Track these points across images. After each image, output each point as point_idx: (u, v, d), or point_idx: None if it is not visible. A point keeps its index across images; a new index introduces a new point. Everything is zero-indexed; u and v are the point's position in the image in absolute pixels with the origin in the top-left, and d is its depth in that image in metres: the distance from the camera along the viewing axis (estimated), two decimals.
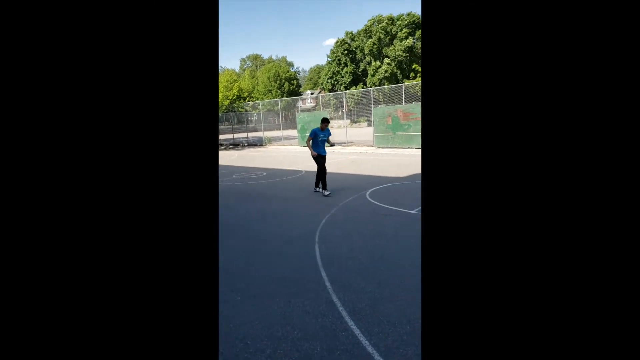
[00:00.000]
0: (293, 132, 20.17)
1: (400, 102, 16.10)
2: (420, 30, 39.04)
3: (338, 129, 22.22)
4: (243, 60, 71.32)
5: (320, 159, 6.25)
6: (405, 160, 10.16)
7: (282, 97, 39.93)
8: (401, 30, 39.05)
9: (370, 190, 6.37)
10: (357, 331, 2.18)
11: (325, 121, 6.32)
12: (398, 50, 38.05)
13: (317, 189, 6.45)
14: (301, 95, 51.23)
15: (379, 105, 18.47)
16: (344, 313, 2.39)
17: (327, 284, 2.84)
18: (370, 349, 2.01)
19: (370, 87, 35.32)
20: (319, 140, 6.25)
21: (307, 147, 6.64)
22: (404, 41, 38.25)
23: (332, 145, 6.99)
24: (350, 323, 2.27)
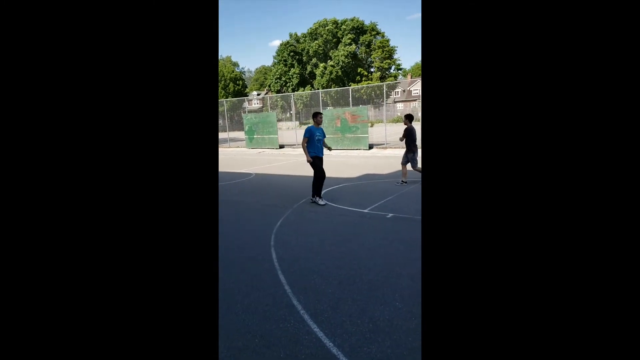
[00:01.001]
0: (240, 134, 19.65)
1: (347, 104, 16.47)
2: (364, 36, 40.44)
3: (287, 131, 22.14)
4: None
5: (317, 161, 5.32)
6: (355, 161, 10.40)
7: (227, 97, 38.76)
8: (346, 34, 40.06)
9: (323, 192, 6.40)
10: (320, 334, 2.15)
11: (318, 115, 5.38)
12: (342, 56, 38.98)
13: (314, 199, 5.51)
14: (247, 96, 50.24)
15: (327, 108, 18.74)
16: (305, 316, 2.35)
17: (286, 287, 2.78)
18: (334, 350, 1.99)
19: (318, 89, 35.76)
20: (315, 140, 5.30)
21: (302, 150, 5.50)
22: (347, 47, 39.27)
23: (329, 148, 5.96)
24: (313, 326, 2.24)
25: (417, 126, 6.81)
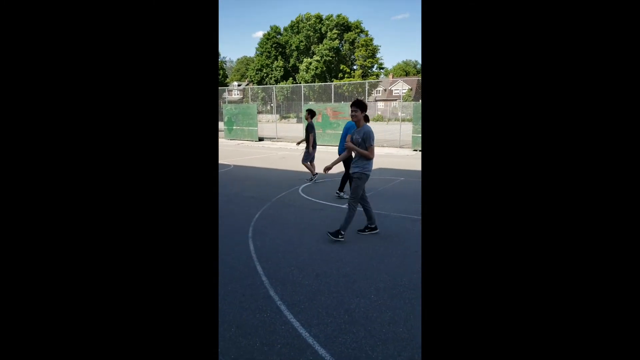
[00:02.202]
0: (219, 124, 19.30)
1: (329, 100, 16.50)
2: (348, 33, 40.50)
3: (267, 124, 21.93)
4: None
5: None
6: (334, 158, 10.45)
7: None
8: (331, 30, 39.98)
9: (302, 186, 6.42)
10: (296, 324, 2.18)
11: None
12: (325, 50, 38.91)
13: (341, 193, 5.52)
14: (228, 86, 49.25)
15: (309, 102, 18.71)
16: (282, 307, 2.38)
17: (264, 278, 2.79)
18: (310, 340, 2.03)
19: (301, 83, 35.55)
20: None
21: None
22: (332, 42, 39.24)
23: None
24: (289, 316, 2.26)
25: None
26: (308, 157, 6.72)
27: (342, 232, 3.61)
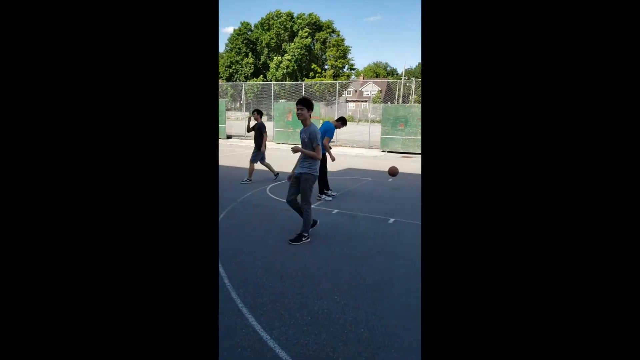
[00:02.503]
0: None
1: None
2: (320, 33, 40.59)
3: (236, 121, 21.51)
4: None
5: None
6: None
7: None
8: (302, 29, 39.88)
9: (270, 186, 6.35)
10: (257, 327, 2.14)
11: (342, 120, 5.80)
12: (296, 48, 38.79)
13: (326, 194, 5.56)
14: None
15: (280, 101, 18.55)
16: (243, 309, 2.33)
17: (226, 280, 2.72)
18: (271, 343, 2.00)
19: (272, 81, 35.17)
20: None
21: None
22: (303, 39, 39.17)
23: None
24: (251, 319, 2.22)
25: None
26: (257, 157, 6.61)
27: (305, 234, 3.60)
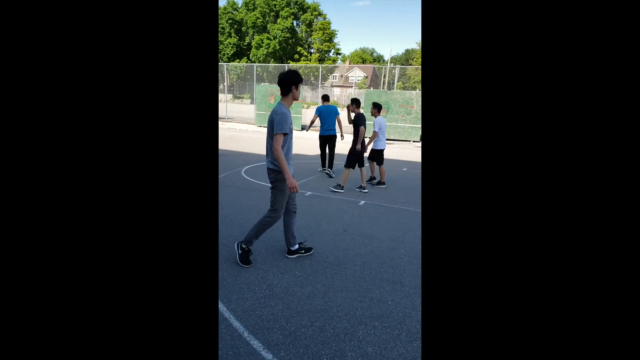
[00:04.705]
0: None
1: None
2: (305, 15, 39.79)
3: (220, 104, 21.10)
4: None
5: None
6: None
7: None
8: (282, 9, 38.99)
9: (246, 167, 6.34)
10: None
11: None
12: (278, 30, 38.01)
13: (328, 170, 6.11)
14: None
15: (263, 83, 18.27)
16: None
17: None
18: (227, 314, 2.05)
19: (255, 62, 34.48)
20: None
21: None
22: (285, 20, 38.35)
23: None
24: None
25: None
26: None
27: (249, 245, 2.74)
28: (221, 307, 2.12)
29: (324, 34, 39.77)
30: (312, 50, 41.22)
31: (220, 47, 41.46)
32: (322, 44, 40.05)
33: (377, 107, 5.27)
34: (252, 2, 40.55)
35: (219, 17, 41.33)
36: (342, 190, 4.96)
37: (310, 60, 38.90)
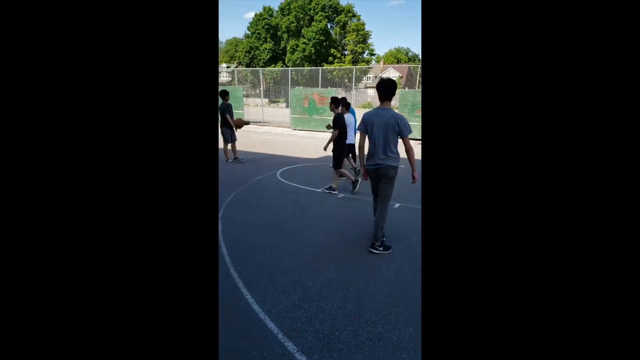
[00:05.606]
0: None
1: (317, 85, 16.38)
2: (339, 17, 39.87)
3: (255, 108, 21.68)
4: None
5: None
6: (319, 143, 10.46)
7: None
8: (317, 13, 39.31)
9: (281, 170, 6.45)
10: (251, 300, 2.25)
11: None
12: (313, 32, 38.35)
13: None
14: None
15: (297, 87, 18.55)
16: (240, 285, 2.44)
17: (227, 258, 2.85)
18: (262, 315, 2.10)
19: (289, 66, 35.08)
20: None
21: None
22: (319, 23, 38.64)
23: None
24: (246, 294, 2.33)
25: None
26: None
27: (380, 238, 3.07)
28: (256, 308, 2.17)
29: (357, 35, 39.63)
30: (345, 52, 41.19)
31: (256, 52, 42.60)
32: (356, 46, 39.91)
33: (345, 105, 5.32)
34: (287, 7, 41.29)
35: (255, 23, 42.54)
36: (336, 192, 4.96)
37: (344, 62, 38.89)
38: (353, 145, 5.59)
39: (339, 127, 4.83)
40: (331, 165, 5.10)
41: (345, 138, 4.97)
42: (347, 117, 5.30)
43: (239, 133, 7.82)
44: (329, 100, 5.16)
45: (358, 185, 5.06)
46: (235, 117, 6.89)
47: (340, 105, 5.09)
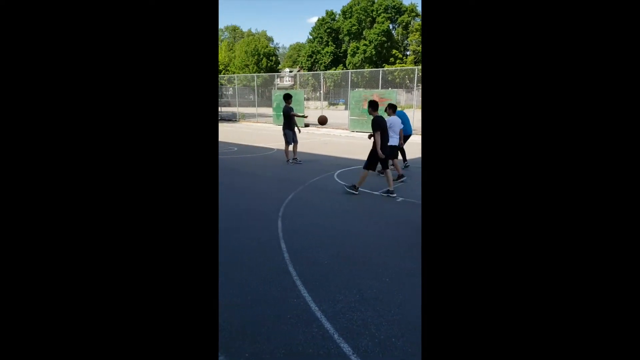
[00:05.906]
0: (268, 110, 19.81)
1: (377, 86, 16.19)
2: (401, 17, 38.98)
3: (315, 111, 22.09)
4: (221, 30, 68.36)
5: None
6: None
7: (259, 72, 38.88)
8: (379, 15, 38.80)
9: (338, 172, 6.48)
10: (308, 298, 2.29)
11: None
12: (374, 34, 37.92)
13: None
14: (279, 72, 50.13)
15: (357, 89, 18.51)
16: (297, 282, 2.50)
17: (286, 255, 2.93)
18: (318, 314, 2.13)
19: (350, 68, 35.14)
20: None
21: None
22: (381, 25, 38.11)
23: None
24: (303, 291, 2.38)
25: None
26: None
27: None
28: (313, 307, 2.20)
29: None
30: (407, 53, 40.17)
31: (318, 56, 43.37)
32: (418, 46, 38.68)
33: (392, 108, 5.64)
34: (350, 9, 41.46)
35: (318, 28, 43.36)
36: (357, 193, 4.91)
37: (405, 63, 37.93)
38: (395, 147, 5.57)
39: (379, 129, 4.72)
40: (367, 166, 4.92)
41: (387, 140, 4.86)
42: (393, 119, 5.50)
43: (312, 136, 8.04)
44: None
45: (393, 193, 4.88)
46: (301, 116, 7.39)
47: (377, 108, 4.99)
